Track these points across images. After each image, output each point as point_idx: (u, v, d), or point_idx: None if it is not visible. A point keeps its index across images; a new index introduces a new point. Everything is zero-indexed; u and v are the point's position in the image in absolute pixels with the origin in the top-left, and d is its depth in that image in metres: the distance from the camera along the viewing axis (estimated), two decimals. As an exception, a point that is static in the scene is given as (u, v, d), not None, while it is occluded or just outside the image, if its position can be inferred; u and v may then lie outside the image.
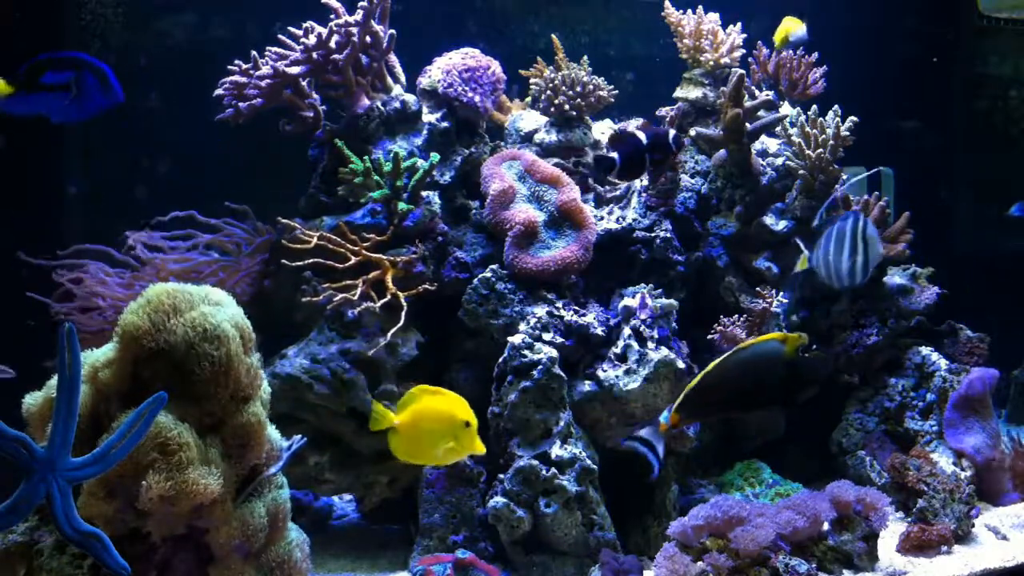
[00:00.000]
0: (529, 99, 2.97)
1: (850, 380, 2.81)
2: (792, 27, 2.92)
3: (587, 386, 2.40)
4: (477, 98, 2.67)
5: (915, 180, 3.58)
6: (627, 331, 2.41)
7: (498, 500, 2.21)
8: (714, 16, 2.94)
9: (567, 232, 2.57)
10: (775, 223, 2.76)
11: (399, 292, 2.33)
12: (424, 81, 2.74)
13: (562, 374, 2.30)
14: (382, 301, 2.31)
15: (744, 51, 2.94)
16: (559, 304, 2.46)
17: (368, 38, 2.55)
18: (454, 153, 2.68)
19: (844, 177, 2.78)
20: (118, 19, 2.87)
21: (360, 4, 2.52)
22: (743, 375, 1.86)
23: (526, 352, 2.29)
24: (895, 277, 2.81)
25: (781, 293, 2.62)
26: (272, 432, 1.72)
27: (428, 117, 2.67)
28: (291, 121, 2.58)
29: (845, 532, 2.10)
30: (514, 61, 2.94)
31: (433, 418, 1.75)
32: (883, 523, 2.13)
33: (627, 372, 2.37)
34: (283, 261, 2.37)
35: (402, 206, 2.44)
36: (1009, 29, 3.98)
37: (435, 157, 2.49)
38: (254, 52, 2.51)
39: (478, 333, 2.48)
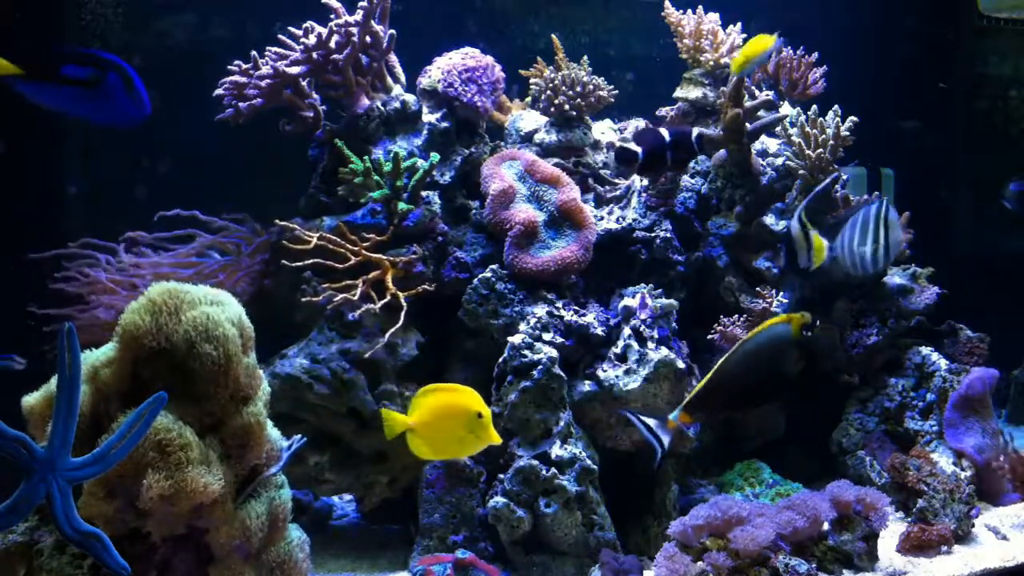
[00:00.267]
0: (529, 99, 2.97)
1: (850, 380, 2.81)
2: (757, 49, 2.60)
3: (587, 386, 2.40)
4: (477, 98, 2.67)
5: (915, 180, 3.58)
6: (627, 331, 2.41)
7: (498, 500, 2.21)
8: (714, 16, 2.94)
9: (567, 232, 2.57)
10: (775, 223, 2.75)
11: (399, 292, 2.33)
12: (424, 81, 2.74)
13: (562, 374, 2.30)
14: (382, 301, 2.31)
15: (744, 51, 2.94)
16: (559, 304, 2.46)
17: (368, 38, 2.55)
18: (454, 153, 2.68)
19: (844, 177, 2.78)
20: (118, 19, 2.87)
21: (360, 4, 2.52)
22: (755, 365, 1.86)
23: (526, 352, 2.29)
24: (895, 277, 2.81)
25: (781, 293, 2.62)
26: (272, 432, 1.72)
27: (428, 117, 2.67)
28: (291, 121, 2.58)
29: (845, 532, 2.10)
30: (514, 61, 2.94)
31: (447, 414, 1.78)
32: (883, 523, 2.13)
33: (627, 372, 2.37)
34: (283, 262, 2.37)
35: (402, 206, 2.44)
36: (1009, 29, 3.99)
37: (435, 157, 2.49)
38: (254, 52, 2.51)
39: (478, 333, 2.48)
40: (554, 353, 2.31)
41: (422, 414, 1.77)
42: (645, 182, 2.75)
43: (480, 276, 2.46)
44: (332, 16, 2.55)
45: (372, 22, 2.54)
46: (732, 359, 1.89)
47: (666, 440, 1.98)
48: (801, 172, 2.73)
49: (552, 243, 2.54)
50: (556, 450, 2.24)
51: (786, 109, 2.93)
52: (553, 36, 2.91)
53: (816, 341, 1.86)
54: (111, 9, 2.86)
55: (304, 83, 2.55)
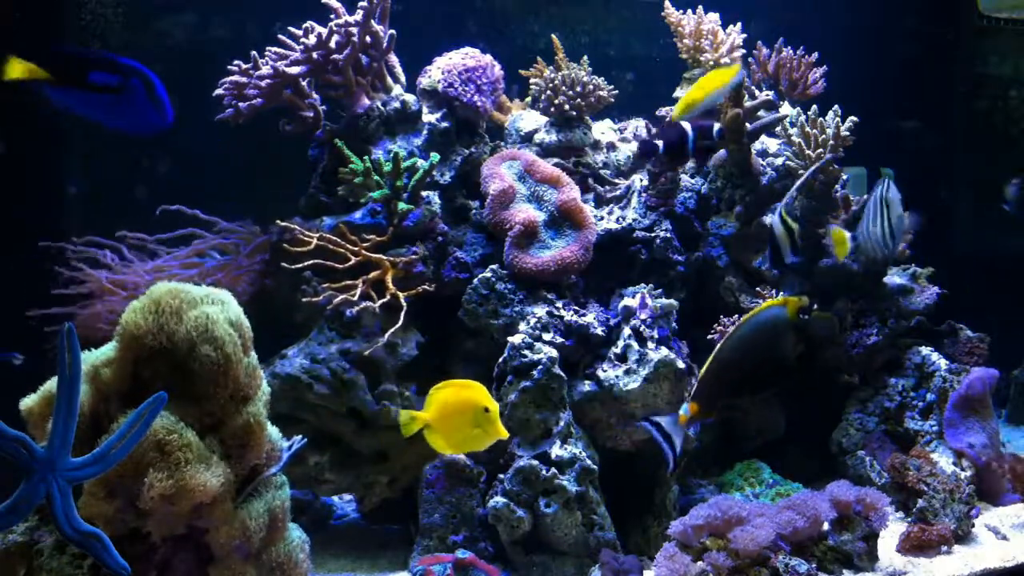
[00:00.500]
0: (529, 99, 2.97)
1: (850, 380, 2.81)
2: (709, 88, 2.43)
3: (587, 386, 2.40)
4: (477, 98, 2.67)
5: (915, 180, 3.58)
6: (627, 331, 2.41)
7: (498, 500, 2.21)
8: (714, 16, 2.94)
9: (567, 232, 2.57)
10: (775, 223, 2.75)
11: (399, 292, 2.33)
12: (424, 81, 2.74)
13: (562, 374, 2.30)
14: (381, 301, 2.31)
15: (744, 51, 2.94)
16: (559, 304, 2.46)
17: (368, 38, 2.55)
18: (454, 153, 2.68)
19: (844, 177, 2.78)
20: (118, 19, 2.87)
21: (360, 4, 2.52)
22: (753, 348, 1.85)
23: (526, 352, 2.29)
24: (895, 277, 2.81)
25: (781, 293, 2.62)
26: (272, 432, 1.72)
27: (428, 117, 2.67)
28: (291, 121, 2.58)
29: (845, 532, 2.10)
30: (514, 61, 2.94)
31: (457, 409, 1.83)
32: (883, 523, 2.13)
33: (627, 372, 2.37)
34: (283, 264, 2.37)
35: (402, 206, 2.44)
36: (1009, 29, 3.99)
37: (435, 157, 2.49)
38: (254, 52, 2.51)
39: (478, 333, 2.48)
40: (554, 353, 2.31)
41: (436, 410, 1.83)
42: (645, 182, 2.75)
43: (480, 276, 2.46)
44: (332, 16, 2.55)
45: (372, 22, 2.54)
46: (730, 342, 1.88)
47: (679, 441, 1.97)
48: (801, 172, 2.73)
49: (552, 243, 2.54)
50: (556, 450, 2.24)
51: (786, 109, 2.93)
52: (553, 36, 2.91)
53: (813, 325, 1.85)
54: (111, 9, 2.86)
55: (304, 83, 2.55)
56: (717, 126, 2.56)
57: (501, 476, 2.26)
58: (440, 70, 2.69)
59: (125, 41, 2.93)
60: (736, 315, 2.60)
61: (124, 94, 1.97)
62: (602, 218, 2.67)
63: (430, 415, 1.83)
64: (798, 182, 2.61)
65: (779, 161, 2.82)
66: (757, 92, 2.90)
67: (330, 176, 2.56)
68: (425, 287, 2.39)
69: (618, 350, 2.40)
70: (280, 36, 2.56)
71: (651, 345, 2.38)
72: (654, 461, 2.47)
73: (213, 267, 2.49)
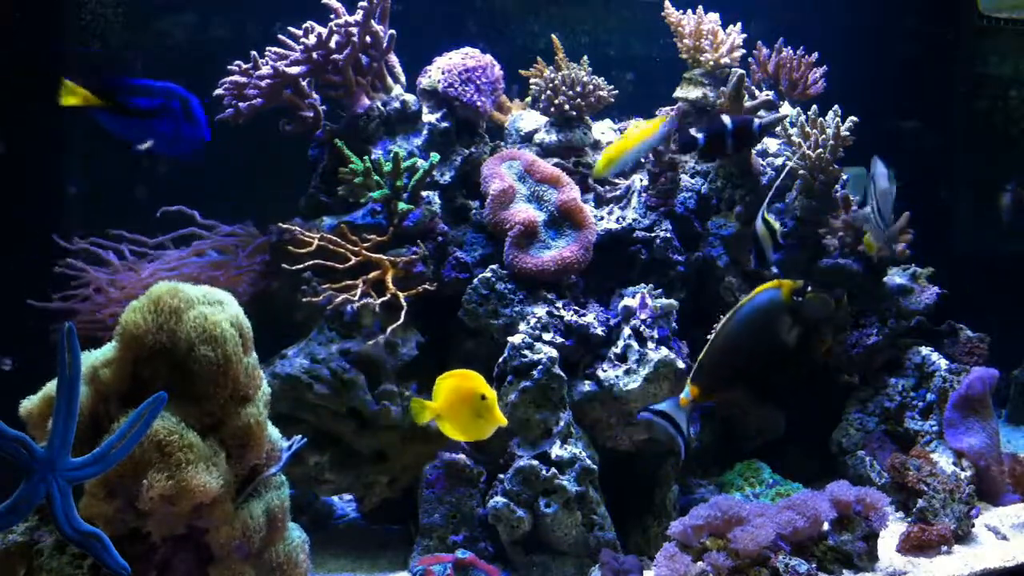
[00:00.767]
0: (529, 99, 2.97)
1: (850, 380, 2.81)
2: (640, 137, 2.31)
3: (587, 386, 2.40)
4: (477, 98, 2.67)
5: (915, 180, 3.57)
6: (627, 331, 2.41)
7: (498, 500, 2.21)
8: (714, 16, 2.94)
9: (567, 232, 2.57)
10: (776, 223, 2.75)
11: (399, 292, 2.33)
12: (424, 81, 2.74)
13: (562, 374, 2.30)
14: (381, 299, 2.31)
15: (744, 51, 2.93)
16: (559, 304, 2.46)
17: (368, 38, 2.55)
18: (454, 153, 2.68)
19: (844, 177, 2.78)
20: (118, 19, 2.87)
21: (360, 4, 2.52)
22: (750, 329, 1.85)
23: (526, 352, 2.29)
24: (895, 277, 2.81)
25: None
26: (272, 432, 1.72)
27: (428, 117, 2.67)
28: (291, 121, 2.58)
29: (845, 532, 2.10)
30: (514, 61, 2.94)
31: (460, 398, 1.87)
32: (883, 523, 2.13)
33: (627, 372, 2.37)
34: (283, 265, 2.36)
35: (402, 206, 2.44)
36: (1009, 29, 3.99)
37: (435, 157, 2.49)
38: (254, 52, 2.51)
39: (478, 333, 2.48)
40: (554, 353, 2.31)
41: (442, 399, 1.88)
42: (645, 182, 2.75)
43: (480, 276, 2.46)
44: (332, 16, 2.55)
45: (372, 22, 2.54)
46: (726, 325, 1.88)
47: (684, 423, 1.97)
48: (801, 172, 2.73)
49: (552, 243, 2.54)
50: (556, 450, 2.24)
51: (786, 109, 2.93)
52: (553, 36, 2.91)
53: (808, 306, 1.85)
54: (111, 9, 2.86)
55: (304, 83, 2.54)
56: (757, 121, 2.59)
57: (501, 476, 2.26)
58: (440, 70, 2.69)
59: (125, 41, 2.93)
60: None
61: (163, 116, 2.08)
62: (602, 218, 2.67)
63: (438, 404, 1.88)
64: (775, 184, 2.63)
65: (779, 161, 2.82)
66: (757, 92, 2.90)
67: (330, 176, 2.56)
68: (425, 287, 2.39)
69: (618, 350, 2.40)
70: (280, 36, 2.56)
71: (651, 345, 2.38)
72: (654, 461, 2.48)
73: (212, 265, 2.48)
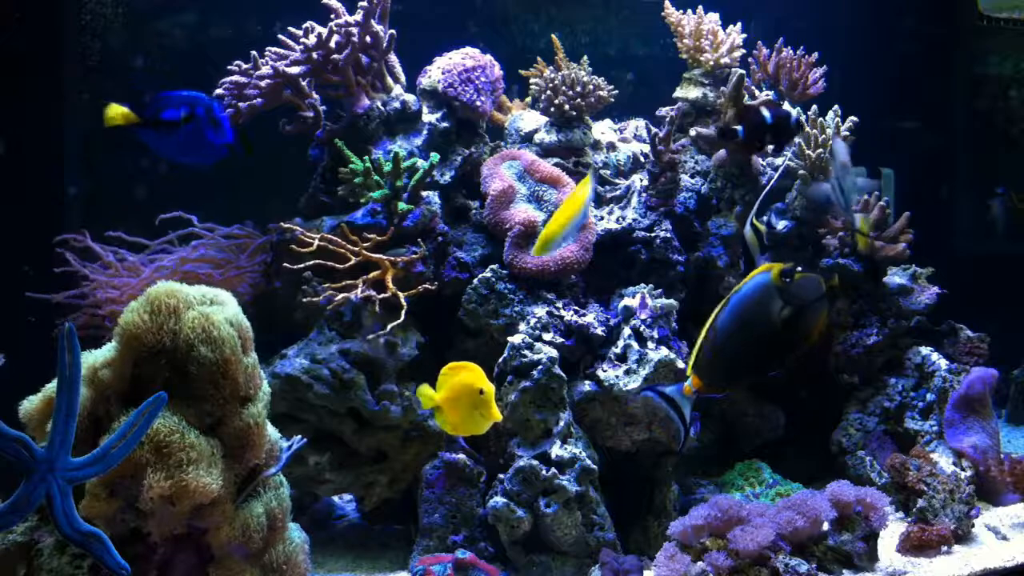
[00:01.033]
0: (529, 99, 2.97)
1: (850, 380, 2.81)
2: (568, 215, 2.11)
3: (587, 386, 2.40)
4: (477, 98, 2.67)
5: (915, 180, 3.58)
6: (627, 331, 2.41)
7: (498, 500, 2.21)
8: (714, 16, 2.94)
9: (567, 232, 2.57)
10: (775, 223, 2.76)
11: (399, 292, 2.33)
12: (424, 81, 2.74)
13: (562, 374, 2.30)
14: (381, 295, 2.31)
15: (744, 51, 2.94)
16: (559, 304, 2.46)
17: (368, 38, 2.55)
18: (454, 153, 2.68)
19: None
20: (118, 19, 2.87)
21: (360, 4, 2.52)
22: (743, 314, 1.85)
23: (526, 352, 2.29)
24: (895, 277, 2.81)
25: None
26: (272, 432, 1.72)
27: (428, 117, 2.67)
28: (291, 121, 2.58)
29: (845, 532, 2.10)
30: (514, 61, 2.94)
31: (459, 391, 1.86)
32: (883, 523, 2.13)
33: (627, 372, 2.37)
34: (284, 264, 2.37)
35: (402, 206, 2.43)
36: (1009, 29, 3.98)
37: (435, 157, 2.49)
38: (254, 52, 2.51)
39: (478, 333, 2.48)
40: (554, 353, 2.31)
41: (443, 392, 1.87)
42: (645, 182, 2.75)
43: (480, 276, 2.46)
44: (332, 16, 2.55)
45: (372, 22, 2.54)
46: (720, 313, 1.88)
47: (687, 411, 1.96)
48: (801, 172, 2.73)
49: (552, 243, 2.54)
50: (556, 450, 2.24)
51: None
52: (553, 36, 2.91)
53: (799, 286, 1.85)
54: (111, 9, 2.86)
55: (304, 83, 2.54)
56: (794, 114, 2.58)
57: (501, 476, 2.26)
58: (440, 70, 2.69)
59: (125, 41, 2.93)
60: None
61: (191, 125, 2.14)
62: (602, 218, 2.67)
63: (440, 397, 1.87)
64: (767, 188, 2.62)
65: (779, 161, 2.82)
66: (757, 92, 2.90)
67: (330, 176, 2.56)
68: (425, 287, 2.39)
69: (618, 350, 2.40)
70: (280, 36, 2.56)
71: (651, 345, 2.38)
72: (654, 461, 2.48)
73: (212, 264, 2.48)
